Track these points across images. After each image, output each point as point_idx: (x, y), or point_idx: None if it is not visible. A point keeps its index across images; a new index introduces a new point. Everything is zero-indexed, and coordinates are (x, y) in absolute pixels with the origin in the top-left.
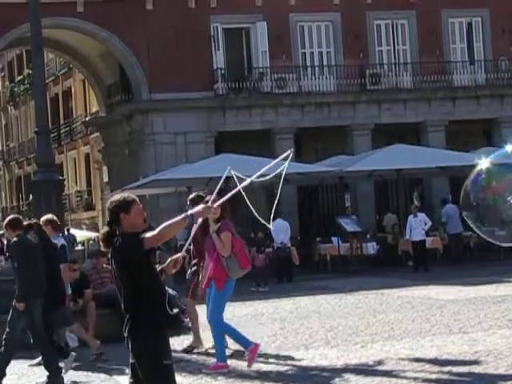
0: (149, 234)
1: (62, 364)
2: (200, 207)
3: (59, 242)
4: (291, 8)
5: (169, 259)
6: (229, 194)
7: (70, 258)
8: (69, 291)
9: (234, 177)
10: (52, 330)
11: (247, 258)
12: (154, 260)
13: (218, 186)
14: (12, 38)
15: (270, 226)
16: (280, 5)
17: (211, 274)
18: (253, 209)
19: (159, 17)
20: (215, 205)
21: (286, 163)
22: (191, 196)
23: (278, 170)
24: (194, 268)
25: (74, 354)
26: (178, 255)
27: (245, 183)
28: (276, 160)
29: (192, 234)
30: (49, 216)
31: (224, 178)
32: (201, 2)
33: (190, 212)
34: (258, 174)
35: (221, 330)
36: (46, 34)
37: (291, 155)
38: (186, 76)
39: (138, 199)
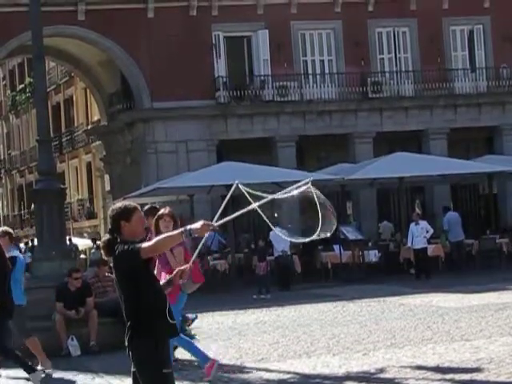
0: (145, 244)
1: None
2: (199, 223)
3: (14, 253)
4: (293, 16)
5: (176, 269)
6: (241, 211)
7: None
8: (24, 301)
9: (244, 191)
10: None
11: (200, 271)
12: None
13: (224, 203)
14: (13, 46)
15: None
16: (281, 13)
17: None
18: (270, 223)
19: (161, 25)
20: (217, 223)
21: (310, 185)
22: (145, 208)
23: (292, 192)
24: None
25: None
26: (185, 266)
27: (258, 204)
28: (294, 186)
29: (197, 250)
30: (4, 228)
31: (230, 194)
32: (202, 10)
33: (188, 227)
34: (275, 196)
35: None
36: (48, 42)
37: (310, 183)
38: (188, 84)
39: (139, 207)
